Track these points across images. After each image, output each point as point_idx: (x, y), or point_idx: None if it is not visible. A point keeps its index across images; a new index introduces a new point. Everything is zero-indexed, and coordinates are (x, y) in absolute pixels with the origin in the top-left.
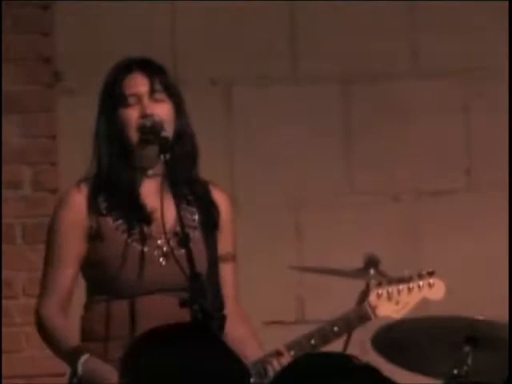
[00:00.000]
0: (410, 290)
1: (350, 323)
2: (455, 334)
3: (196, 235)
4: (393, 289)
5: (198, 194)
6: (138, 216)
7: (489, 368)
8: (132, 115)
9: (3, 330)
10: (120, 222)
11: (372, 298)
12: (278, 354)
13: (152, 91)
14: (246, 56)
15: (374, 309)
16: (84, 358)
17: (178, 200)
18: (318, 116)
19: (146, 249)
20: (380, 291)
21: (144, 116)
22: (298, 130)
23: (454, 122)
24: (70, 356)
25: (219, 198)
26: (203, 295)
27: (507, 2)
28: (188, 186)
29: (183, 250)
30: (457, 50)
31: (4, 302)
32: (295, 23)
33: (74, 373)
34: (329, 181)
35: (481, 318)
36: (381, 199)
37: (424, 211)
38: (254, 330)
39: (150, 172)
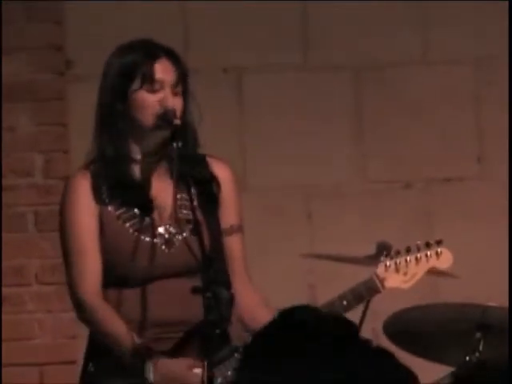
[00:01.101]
0: (417, 260)
1: (358, 296)
2: (467, 321)
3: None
4: (400, 260)
5: (195, 172)
6: (139, 205)
7: (500, 355)
8: (153, 100)
9: (16, 317)
10: (121, 210)
11: (380, 269)
12: None
13: (176, 83)
14: (257, 44)
15: (382, 281)
16: (151, 363)
17: (179, 187)
18: (329, 104)
19: (147, 238)
20: (388, 263)
21: (164, 107)
22: (309, 118)
23: (465, 110)
24: (132, 356)
25: (218, 169)
26: (216, 281)
27: (507, 2)
28: (185, 166)
29: (185, 235)
30: (467, 39)
31: (16, 289)
32: (306, 11)
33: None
34: (340, 168)
35: (492, 304)
36: (392, 187)
37: (435, 199)
38: (265, 299)
39: (153, 158)
